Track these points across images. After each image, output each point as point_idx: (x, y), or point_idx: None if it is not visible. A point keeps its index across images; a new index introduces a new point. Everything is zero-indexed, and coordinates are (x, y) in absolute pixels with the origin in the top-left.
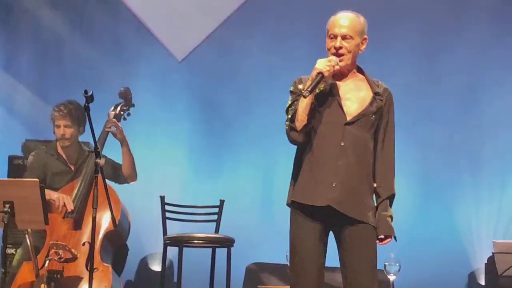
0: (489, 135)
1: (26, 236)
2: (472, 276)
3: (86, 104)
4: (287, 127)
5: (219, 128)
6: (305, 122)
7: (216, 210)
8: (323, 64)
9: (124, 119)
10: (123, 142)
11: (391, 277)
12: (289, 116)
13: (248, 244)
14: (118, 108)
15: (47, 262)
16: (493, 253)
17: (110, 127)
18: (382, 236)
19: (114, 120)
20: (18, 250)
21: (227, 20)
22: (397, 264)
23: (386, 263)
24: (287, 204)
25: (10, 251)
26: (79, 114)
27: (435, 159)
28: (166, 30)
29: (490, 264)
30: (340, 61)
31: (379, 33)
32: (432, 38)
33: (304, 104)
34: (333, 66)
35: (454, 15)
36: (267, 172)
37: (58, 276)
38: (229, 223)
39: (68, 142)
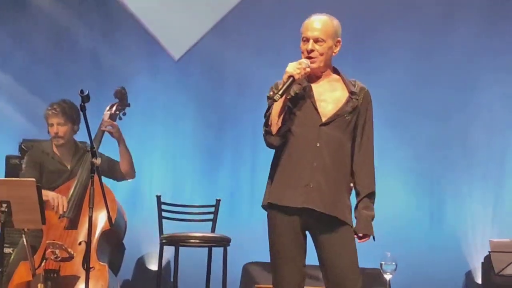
0: (484, 133)
1: (23, 235)
2: (469, 275)
3: (82, 104)
4: (263, 132)
5: (216, 127)
6: (280, 125)
7: (213, 209)
8: (293, 67)
9: (120, 118)
10: (120, 141)
11: (388, 276)
12: (265, 120)
13: (245, 243)
14: (114, 108)
15: (44, 261)
16: (489, 252)
17: (106, 127)
18: (360, 234)
19: (109, 120)
20: (15, 250)
21: (223, 19)
22: (394, 263)
23: (383, 262)
24: (262, 206)
25: (7, 250)
26: (73, 113)
27: (430, 156)
28: (163, 29)
29: (487, 263)
30: (312, 63)
31: (372, 33)
32: (426, 36)
33: (277, 108)
34: (304, 69)
35: (447, 14)
36: (263, 171)
37: (55, 275)
38: (225, 223)
39: (62, 140)
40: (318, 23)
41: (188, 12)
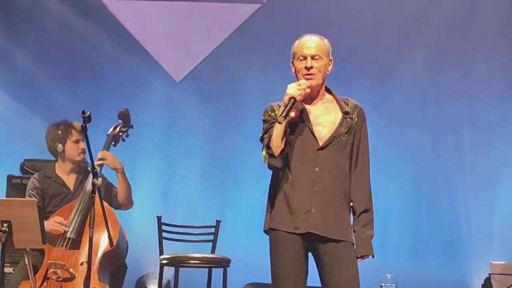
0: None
1: (25, 255)
2: None
3: (84, 124)
4: (264, 154)
5: (217, 149)
6: (282, 147)
7: (213, 230)
8: (294, 89)
9: (123, 140)
10: (117, 170)
11: None
12: (265, 143)
13: (245, 264)
14: (117, 129)
15: (46, 281)
16: (489, 274)
17: (98, 160)
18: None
19: (101, 155)
20: (16, 269)
21: (224, 42)
22: (394, 285)
23: (383, 284)
24: (264, 231)
25: (7, 270)
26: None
27: (429, 178)
28: (165, 52)
29: (487, 285)
30: (312, 79)
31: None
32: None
33: (278, 130)
34: (304, 90)
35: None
36: (262, 192)
37: None
38: (225, 243)
39: (84, 155)
40: (312, 42)
41: (189, 35)
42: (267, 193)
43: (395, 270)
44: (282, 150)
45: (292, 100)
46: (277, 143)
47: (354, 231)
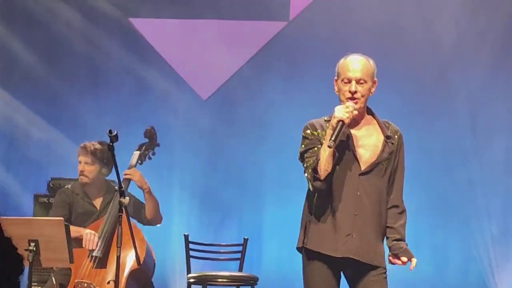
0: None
1: (52, 274)
2: None
3: (110, 144)
4: (309, 177)
5: (243, 165)
6: (329, 171)
7: (240, 248)
8: (342, 112)
9: (149, 158)
10: (144, 188)
11: None
12: (312, 165)
13: (272, 282)
14: (143, 148)
15: None
16: None
17: (126, 174)
18: (405, 259)
19: (130, 172)
20: None
21: (250, 60)
22: None
23: None
24: (297, 248)
25: None
26: (104, 156)
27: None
28: (191, 70)
29: None
30: (355, 103)
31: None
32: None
33: (327, 154)
34: (351, 112)
35: None
36: (290, 210)
37: None
38: (253, 261)
39: (86, 179)
40: (358, 64)
41: (217, 52)
42: (302, 211)
43: None
44: (329, 174)
45: (341, 123)
46: (325, 167)
47: (388, 243)
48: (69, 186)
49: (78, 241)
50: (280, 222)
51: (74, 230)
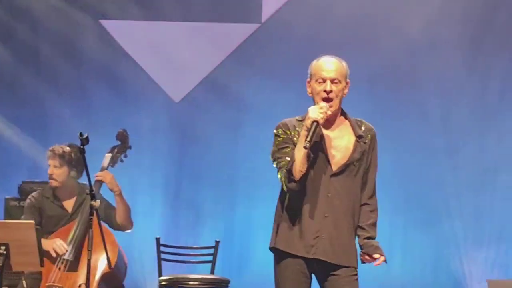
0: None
1: (22, 278)
2: None
3: (81, 147)
4: (283, 178)
5: (215, 169)
6: (303, 172)
7: (212, 251)
8: (316, 112)
9: (121, 161)
10: (115, 191)
11: None
12: (286, 166)
13: (244, 285)
14: (115, 150)
15: None
16: None
17: (98, 175)
18: (377, 256)
19: (101, 174)
20: None
21: (223, 62)
22: None
23: None
24: (270, 248)
25: None
26: (73, 158)
27: (426, 202)
28: (163, 73)
29: None
30: (330, 106)
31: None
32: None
33: (302, 155)
34: (326, 113)
35: None
36: (261, 212)
37: None
38: (224, 264)
39: (55, 182)
40: (331, 65)
41: (188, 56)
42: (274, 211)
43: None
44: (303, 175)
45: (315, 124)
46: (300, 168)
47: (360, 241)
48: (39, 189)
49: (49, 255)
50: (252, 223)
51: (46, 244)
